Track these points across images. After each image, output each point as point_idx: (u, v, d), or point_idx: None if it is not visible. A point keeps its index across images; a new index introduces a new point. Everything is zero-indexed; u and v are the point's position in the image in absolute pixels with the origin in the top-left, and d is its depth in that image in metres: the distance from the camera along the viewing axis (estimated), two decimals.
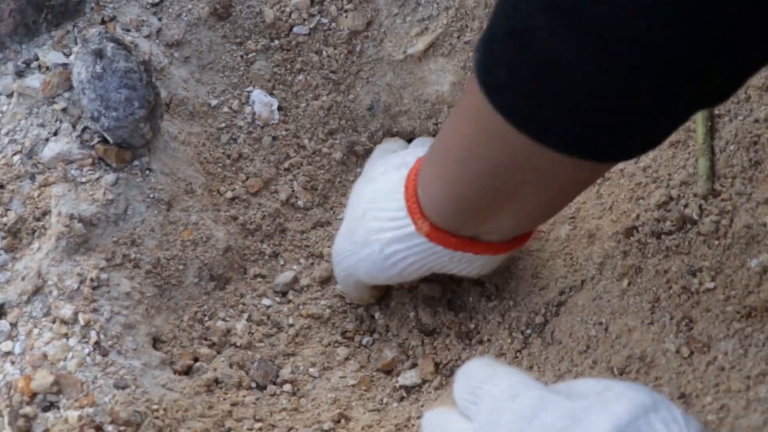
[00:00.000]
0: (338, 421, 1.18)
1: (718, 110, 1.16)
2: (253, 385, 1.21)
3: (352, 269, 1.19)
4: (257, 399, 1.19)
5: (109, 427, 1.04)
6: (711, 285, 1.07)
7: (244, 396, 1.18)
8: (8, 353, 1.09)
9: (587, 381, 0.81)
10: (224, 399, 1.17)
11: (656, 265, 1.11)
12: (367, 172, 1.27)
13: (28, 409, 1.05)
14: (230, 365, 1.20)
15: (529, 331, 1.17)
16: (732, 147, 1.13)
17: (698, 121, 1.15)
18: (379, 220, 1.13)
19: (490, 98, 0.85)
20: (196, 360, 1.20)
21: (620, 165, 1.21)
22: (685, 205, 1.14)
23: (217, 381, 1.18)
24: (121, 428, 1.05)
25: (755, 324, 1.01)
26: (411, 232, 1.09)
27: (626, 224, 1.14)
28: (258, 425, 1.16)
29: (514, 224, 1.06)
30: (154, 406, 1.08)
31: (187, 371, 1.18)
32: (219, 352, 1.22)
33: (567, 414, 0.75)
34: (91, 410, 1.05)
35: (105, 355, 1.10)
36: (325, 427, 1.17)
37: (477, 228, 1.07)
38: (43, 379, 1.06)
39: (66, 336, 1.10)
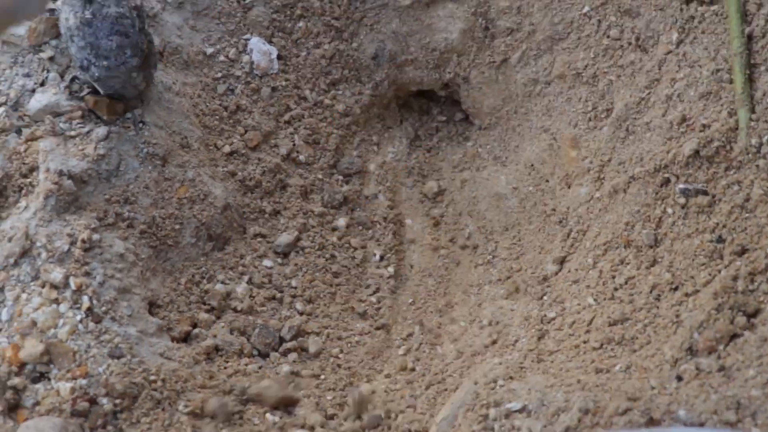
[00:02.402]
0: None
1: (754, 59, 1.10)
2: (255, 352, 1.15)
3: None
4: (260, 367, 1.14)
5: (104, 400, 0.99)
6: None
7: (246, 364, 1.13)
8: None
9: None
10: (225, 367, 1.11)
11: None
12: None
13: (16, 381, 0.99)
14: (231, 331, 1.15)
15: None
16: None
17: (735, 69, 1.08)
18: None
19: None
20: (194, 326, 1.14)
21: (647, 119, 1.15)
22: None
23: (217, 348, 1.13)
24: (117, 401, 1.00)
25: None
26: None
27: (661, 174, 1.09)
28: None
29: None
30: (152, 377, 1.03)
31: (185, 338, 1.13)
32: (218, 318, 1.16)
33: None
34: (84, 381, 1.00)
35: (98, 321, 1.05)
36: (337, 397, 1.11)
37: None
38: (32, 348, 1.01)
39: (56, 301, 1.04)
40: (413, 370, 1.18)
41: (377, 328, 1.22)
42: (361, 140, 1.36)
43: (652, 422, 0.87)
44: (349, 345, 1.20)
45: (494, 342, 1.14)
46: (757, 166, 1.04)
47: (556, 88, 1.27)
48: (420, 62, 1.36)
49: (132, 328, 1.06)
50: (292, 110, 1.32)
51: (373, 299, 1.25)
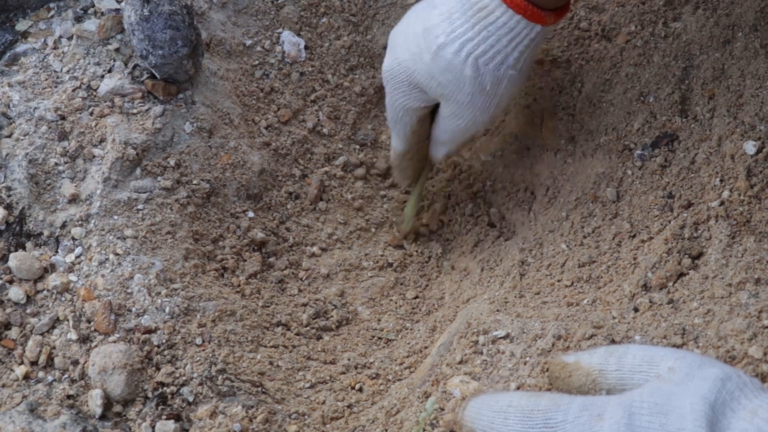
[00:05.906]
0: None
1: None
2: None
3: (409, 63, 1.07)
4: None
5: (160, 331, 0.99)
6: None
7: None
8: (72, 264, 1.03)
9: (634, 356, 0.74)
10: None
11: None
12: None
13: (89, 314, 0.99)
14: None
15: None
16: None
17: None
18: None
19: None
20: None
21: (610, 96, 1.14)
22: None
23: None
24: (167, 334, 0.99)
25: (736, 237, 0.94)
26: None
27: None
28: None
29: None
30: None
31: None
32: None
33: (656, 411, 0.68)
34: (147, 317, 0.99)
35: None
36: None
37: None
38: (103, 288, 1.01)
39: (119, 254, 1.05)
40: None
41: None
42: (374, 116, 1.35)
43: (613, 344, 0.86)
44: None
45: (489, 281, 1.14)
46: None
47: (536, 72, 1.25)
48: None
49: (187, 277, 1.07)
50: (317, 91, 1.31)
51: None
